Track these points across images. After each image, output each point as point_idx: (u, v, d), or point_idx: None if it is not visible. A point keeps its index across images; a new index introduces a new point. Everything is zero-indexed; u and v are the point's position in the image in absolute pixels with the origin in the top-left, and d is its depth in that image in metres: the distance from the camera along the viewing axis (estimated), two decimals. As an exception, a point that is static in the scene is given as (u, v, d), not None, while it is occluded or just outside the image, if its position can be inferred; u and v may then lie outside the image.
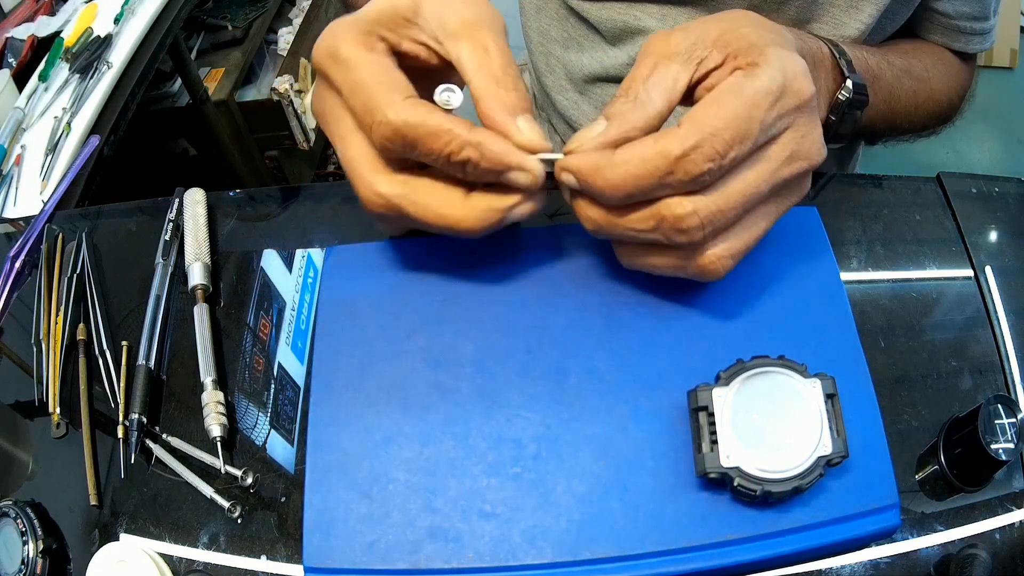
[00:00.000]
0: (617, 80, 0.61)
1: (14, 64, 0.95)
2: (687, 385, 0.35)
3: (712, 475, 0.32)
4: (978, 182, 0.49)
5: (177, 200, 0.50)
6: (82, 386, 0.43)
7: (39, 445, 0.43)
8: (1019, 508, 0.36)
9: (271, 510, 0.38)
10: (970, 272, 0.44)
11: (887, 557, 0.35)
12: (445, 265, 0.41)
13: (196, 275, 0.46)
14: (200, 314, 0.44)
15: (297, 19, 1.75)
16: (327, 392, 0.38)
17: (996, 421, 0.35)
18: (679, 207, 0.31)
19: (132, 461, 0.40)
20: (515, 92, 0.33)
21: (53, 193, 0.62)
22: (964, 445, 0.36)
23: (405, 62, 0.34)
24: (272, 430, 0.41)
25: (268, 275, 0.47)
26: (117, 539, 0.38)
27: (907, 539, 0.36)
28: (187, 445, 0.40)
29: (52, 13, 1.08)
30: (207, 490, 0.38)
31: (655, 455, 0.34)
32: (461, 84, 0.34)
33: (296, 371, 0.43)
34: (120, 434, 0.41)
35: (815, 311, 0.38)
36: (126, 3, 0.94)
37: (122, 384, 0.43)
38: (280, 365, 0.43)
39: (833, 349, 0.37)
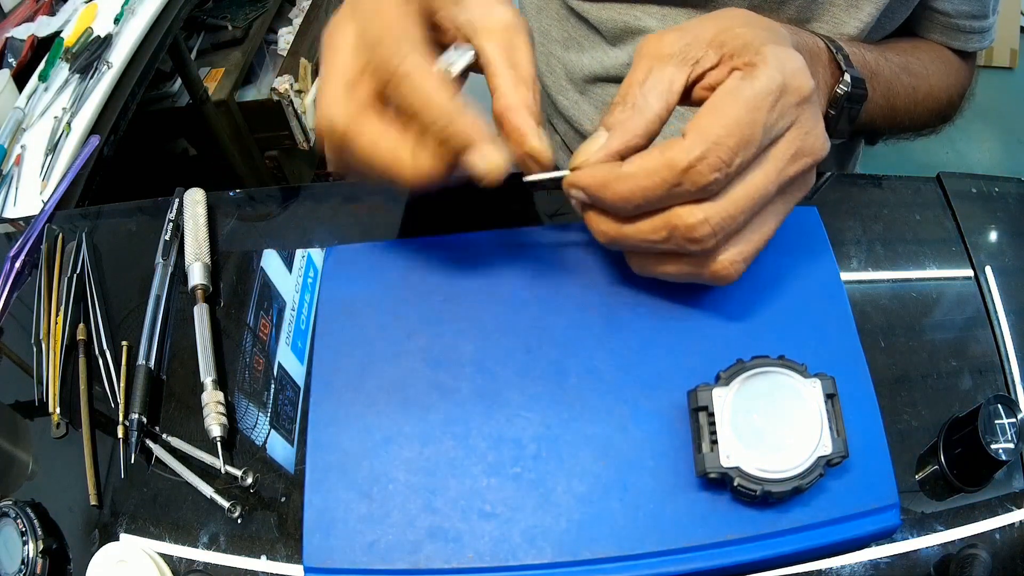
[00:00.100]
0: (617, 80, 0.61)
1: (14, 64, 0.95)
2: (687, 385, 0.35)
3: (712, 475, 0.32)
4: (978, 182, 0.49)
5: (177, 200, 0.50)
6: (82, 386, 0.43)
7: (39, 445, 0.43)
8: (1019, 508, 0.36)
9: (271, 510, 0.38)
10: (970, 272, 0.44)
11: (887, 557, 0.35)
12: (445, 265, 0.41)
13: (196, 275, 0.46)
14: (200, 314, 0.44)
15: (297, 19, 1.75)
16: (327, 392, 0.38)
17: (996, 421, 0.35)
18: (690, 216, 0.31)
19: (132, 461, 0.40)
20: (536, 104, 0.33)
21: (53, 193, 0.62)
22: (964, 445, 0.36)
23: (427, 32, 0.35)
24: (272, 430, 0.41)
25: (268, 275, 0.47)
26: (117, 539, 0.38)
27: (907, 539, 0.36)
28: (187, 445, 0.40)
29: (52, 13, 1.08)
30: (207, 490, 0.38)
31: (655, 455, 0.34)
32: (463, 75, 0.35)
33: (296, 371, 0.43)
34: (120, 434, 0.41)
35: (815, 311, 0.38)
36: (126, 3, 0.94)
37: (122, 384, 0.43)
38: (280, 365, 0.43)
39: (833, 349, 0.37)
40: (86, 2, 0.98)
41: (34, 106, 0.80)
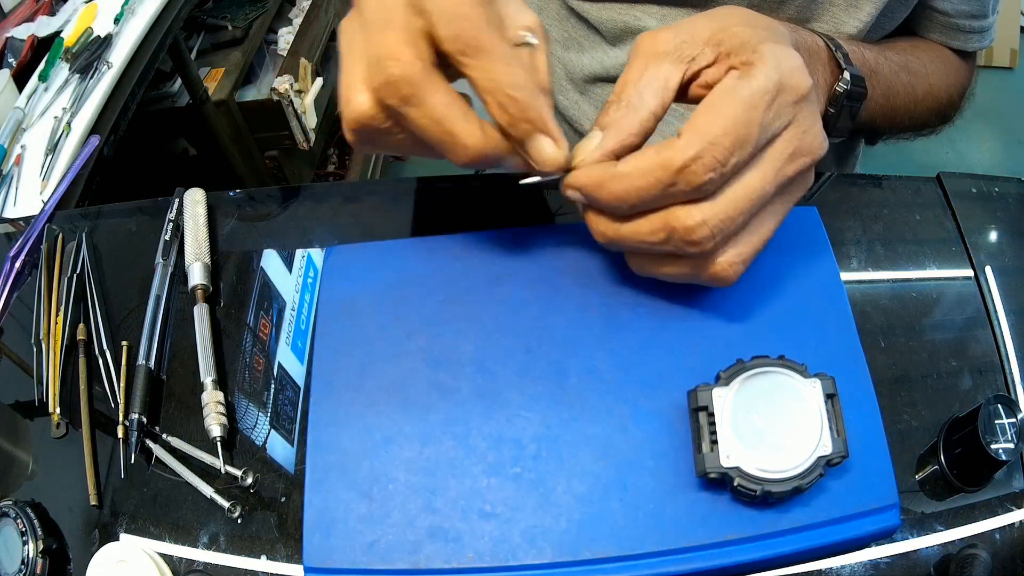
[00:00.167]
0: (617, 80, 0.61)
1: (14, 64, 0.95)
2: (687, 385, 0.35)
3: (712, 475, 0.32)
4: (978, 182, 0.49)
5: (177, 200, 0.50)
6: (82, 386, 0.43)
7: (39, 445, 0.43)
8: (1019, 508, 0.36)
9: (271, 510, 0.38)
10: (970, 272, 0.44)
11: (887, 557, 0.35)
12: (445, 265, 0.41)
13: (196, 275, 0.46)
14: (200, 314, 0.44)
15: (297, 19, 1.75)
16: (327, 392, 0.38)
17: (996, 421, 0.35)
18: (688, 218, 0.31)
19: (132, 461, 0.40)
20: (551, 113, 0.33)
21: (53, 193, 0.61)
22: (964, 445, 0.36)
23: None
24: (272, 430, 0.41)
25: (268, 275, 0.47)
26: (117, 539, 0.38)
27: (907, 539, 0.36)
28: (187, 445, 0.40)
29: (52, 13, 1.08)
30: (207, 490, 0.38)
31: (655, 455, 0.34)
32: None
33: (296, 371, 0.43)
34: (120, 434, 0.41)
35: (815, 311, 0.38)
36: (126, 3, 0.94)
37: (122, 384, 0.43)
38: (280, 365, 0.43)
39: (833, 349, 0.37)
40: (86, 2, 0.98)
41: (34, 106, 0.80)
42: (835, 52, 0.43)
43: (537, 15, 0.35)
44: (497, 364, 0.37)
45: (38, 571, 0.37)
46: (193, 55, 1.52)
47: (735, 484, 0.31)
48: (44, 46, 0.97)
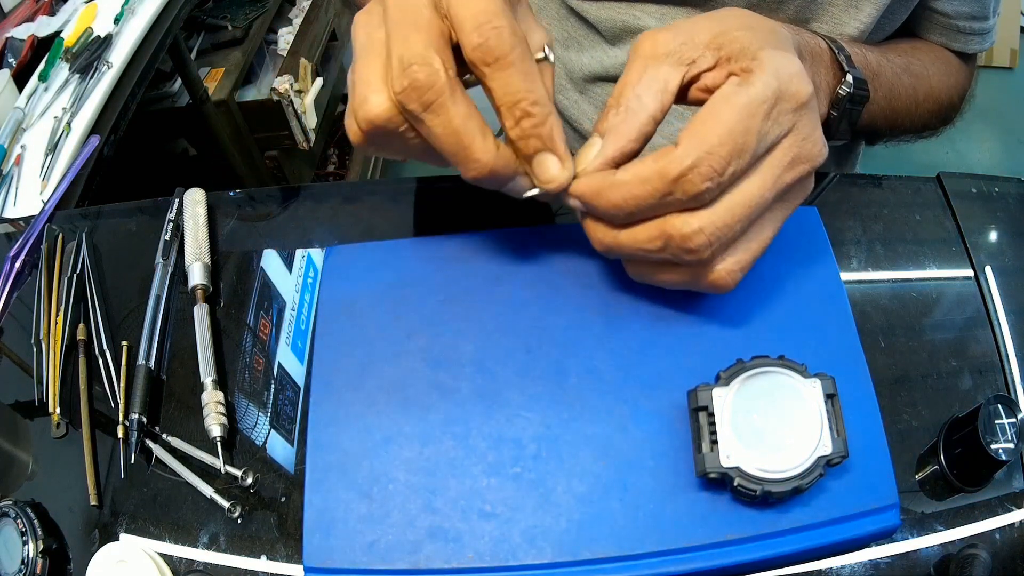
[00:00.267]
0: (617, 80, 0.61)
1: (14, 64, 0.95)
2: (687, 385, 0.35)
3: (712, 475, 0.32)
4: (978, 182, 0.49)
5: (177, 200, 0.50)
6: (82, 386, 0.43)
7: (39, 445, 0.43)
8: (1019, 508, 0.36)
9: (271, 510, 0.38)
10: (970, 272, 0.44)
11: (887, 557, 0.35)
12: (445, 265, 0.41)
13: (196, 275, 0.46)
14: (200, 314, 0.44)
15: (297, 19, 1.75)
16: (327, 392, 0.38)
17: (996, 421, 0.35)
18: (685, 226, 0.31)
19: (132, 461, 0.40)
20: (561, 129, 0.33)
21: (53, 193, 0.61)
22: (964, 445, 0.36)
23: None
24: (272, 430, 0.41)
25: (268, 275, 0.47)
26: (117, 539, 0.38)
27: (907, 539, 0.36)
28: (187, 445, 0.40)
29: (52, 13, 1.08)
30: (207, 490, 0.38)
31: (655, 455, 0.34)
32: None
33: (296, 371, 0.43)
34: (120, 434, 0.41)
35: (815, 311, 0.38)
36: (126, 3, 0.94)
37: (122, 384, 0.43)
38: (280, 365, 0.43)
39: (833, 349, 0.37)
40: (86, 2, 0.98)
41: (34, 106, 0.80)
42: (838, 54, 0.43)
43: (541, 24, 0.35)
44: (497, 364, 0.37)
45: (38, 571, 0.37)
46: (193, 55, 1.52)
47: (735, 484, 0.31)
48: (44, 46, 0.97)
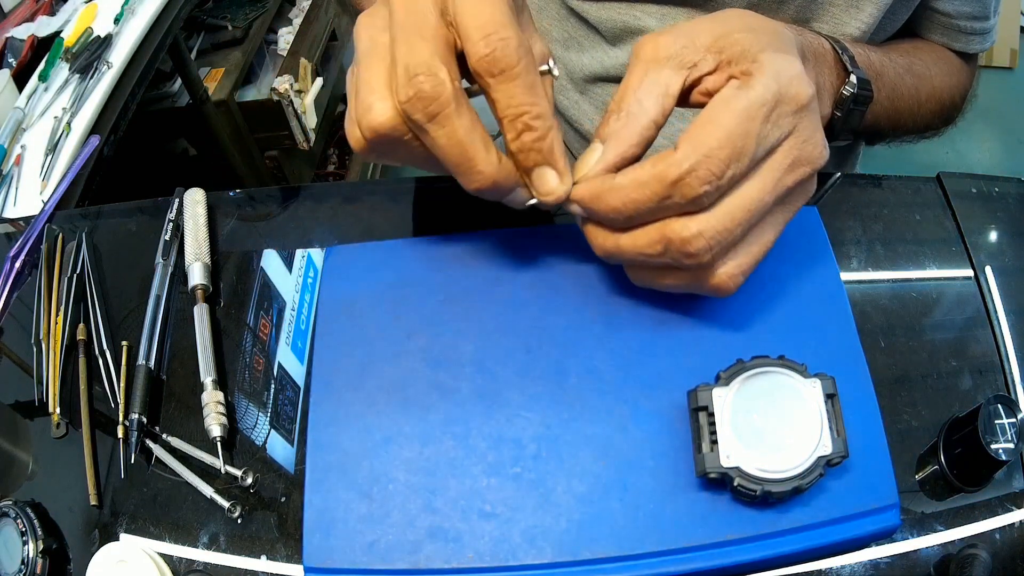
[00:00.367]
0: (617, 80, 0.61)
1: (14, 64, 0.95)
2: (687, 385, 0.35)
3: (712, 475, 0.32)
4: (978, 182, 0.49)
5: (177, 200, 0.50)
6: (82, 386, 0.43)
7: (39, 445, 0.43)
8: (1019, 508, 0.36)
9: (271, 510, 0.38)
10: (970, 272, 0.44)
11: (887, 557, 0.35)
12: (445, 265, 0.41)
13: (196, 275, 0.46)
14: (200, 314, 0.44)
15: (297, 19, 1.75)
16: (327, 392, 0.38)
17: (996, 421, 0.35)
18: (684, 230, 0.31)
19: (132, 461, 0.40)
20: (561, 142, 0.33)
21: (53, 193, 0.62)
22: (964, 445, 0.36)
23: None
24: (272, 430, 0.41)
25: (268, 275, 0.47)
26: (117, 539, 0.38)
27: (907, 539, 0.36)
28: (187, 445, 0.40)
29: (52, 13, 1.08)
30: (207, 490, 0.38)
31: (655, 455, 0.34)
32: None
33: (296, 371, 0.43)
34: (120, 434, 0.41)
35: (815, 311, 0.38)
36: (126, 3, 0.94)
37: (122, 384, 0.43)
38: (280, 365, 0.43)
39: (833, 349, 0.37)
40: (86, 2, 0.98)
41: (34, 106, 0.80)
42: (841, 55, 0.43)
43: (540, 28, 0.35)
44: (497, 364, 0.37)
45: (38, 571, 0.37)
46: (193, 55, 1.52)
47: (735, 484, 0.31)
48: (44, 46, 0.97)
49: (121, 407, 0.42)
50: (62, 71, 0.83)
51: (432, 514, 0.34)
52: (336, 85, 1.81)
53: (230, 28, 1.58)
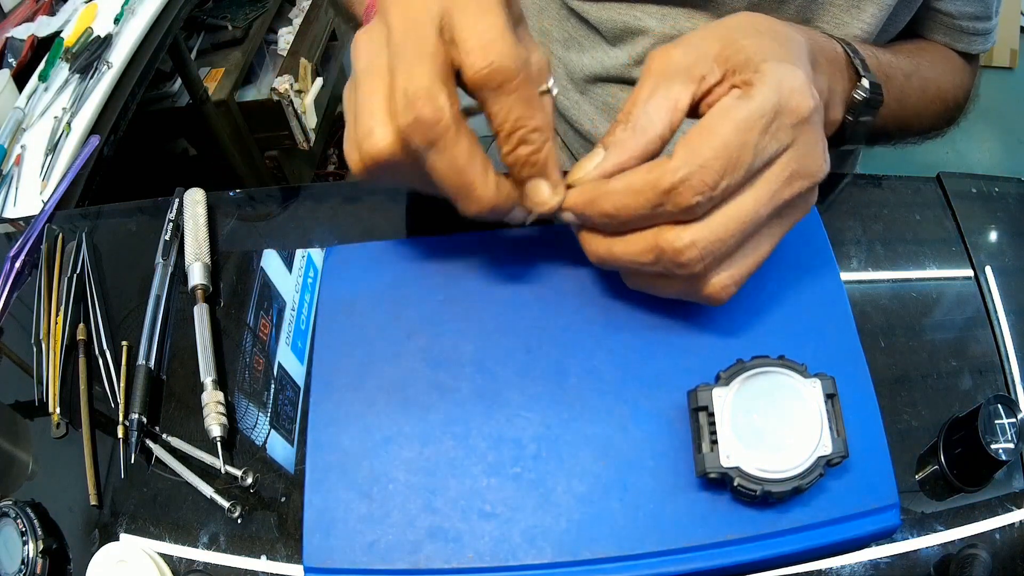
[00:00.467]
0: (617, 80, 0.61)
1: (14, 64, 0.95)
2: (687, 385, 0.35)
3: (712, 475, 0.32)
4: (978, 182, 0.49)
5: (177, 200, 0.50)
6: (82, 386, 0.43)
7: (39, 445, 0.43)
8: (1019, 508, 0.36)
9: (271, 510, 0.38)
10: (970, 272, 0.44)
11: (887, 557, 0.35)
12: (445, 265, 0.41)
13: (196, 275, 0.46)
14: (200, 314, 0.44)
15: (297, 19, 1.75)
16: (327, 392, 0.38)
17: (996, 421, 0.35)
18: (677, 240, 0.30)
19: (132, 461, 0.40)
20: (556, 156, 0.33)
21: (53, 193, 0.62)
22: (964, 445, 0.36)
23: None
24: (272, 430, 0.41)
25: (268, 275, 0.47)
26: (117, 539, 0.38)
27: (907, 539, 0.36)
28: (187, 445, 0.40)
29: (52, 13, 1.08)
30: (207, 490, 0.38)
31: (655, 455, 0.34)
32: None
33: (296, 371, 0.43)
34: (120, 434, 0.41)
35: (815, 311, 0.38)
36: (126, 3, 0.94)
37: (122, 384, 0.43)
38: (280, 365, 0.43)
39: (833, 349, 0.37)
40: (86, 2, 0.98)
41: (34, 106, 0.80)
42: (853, 58, 0.43)
43: (548, 58, 0.35)
44: (497, 364, 0.37)
45: (38, 571, 0.37)
46: (193, 55, 1.52)
47: (735, 484, 0.31)
48: (44, 46, 0.97)
49: (121, 407, 0.42)
50: (62, 71, 0.83)
51: (432, 514, 0.34)
52: (336, 85, 1.81)
53: (230, 28, 1.59)
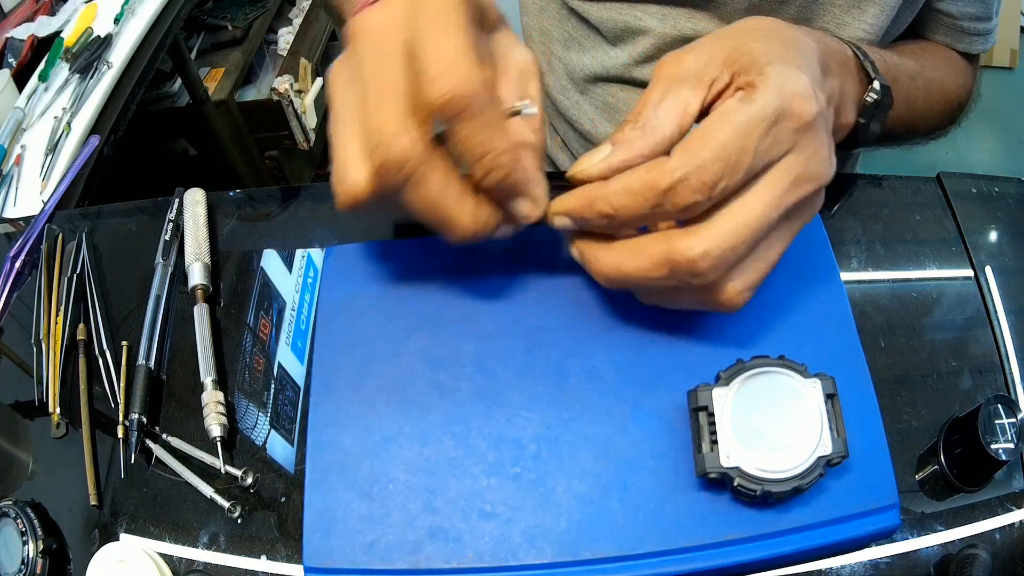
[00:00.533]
0: (618, 80, 0.61)
1: (14, 64, 0.95)
2: (687, 385, 0.35)
3: (712, 475, 0.32)
4: (978, 182, 0.49)
5: (177, 200, 0.50)
6: (82, 386, 0.43)
7: (39, 445, 0.43)
8: (1019, 508, 0.36)
9: (271, 510, 0.38)
10: (970, 272, 0.44)
11: (887, 557, 0.35)
12: (445, 265, 0.41)
13: (196, 275, 0.46)
14: (200, 314, 0.44)
15: (297, 19, 1.75)
16: (327, 392, 0.38)
17: (996, 421, 0.35)
18: (689, 251, 0.30)
19: (132, 461, 0.40)
20: (537, 168, 0.33)
21: (53, 193, 0.62)
22: (964, 445, 0.36)
23: None
24: (272, 430, 0.41)
25: (268, 275, 0.47)
26: (117, 539, 0.38)
27: (907, 539, 0.36)
28: (187, 445, 0.40)
29: (52, 13, 1.08)
30: (207, 490, 0.38)
31: (655, 455, 0.34)
32: None
33: (296, 371, 0.43)
34: (120, 434, 0.41)
35: (815, 311, 0.38)
36: (126, 3, 0.94)
37: (122, 384, 0.43)
38: (280, 365, 0.43)
39: (833, 349, 0.37)
40: (86, 2, 0.98)
41: (34, 106, 0.80)
42: (863, 61, 0.43)
43: (534, 57, 0.35)
44: (497, 364, 0.37)
45: (38, 571, 0.37)
46: (193, 55, 1.53)
47: (735, 484, 0.31)
48: (44, 46, 0.97)
49: (121, 407, 0.42)
50: (62, 71, 0.83)
51: (432, 514, 0.34)
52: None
53: (230, 28, 1.59)
